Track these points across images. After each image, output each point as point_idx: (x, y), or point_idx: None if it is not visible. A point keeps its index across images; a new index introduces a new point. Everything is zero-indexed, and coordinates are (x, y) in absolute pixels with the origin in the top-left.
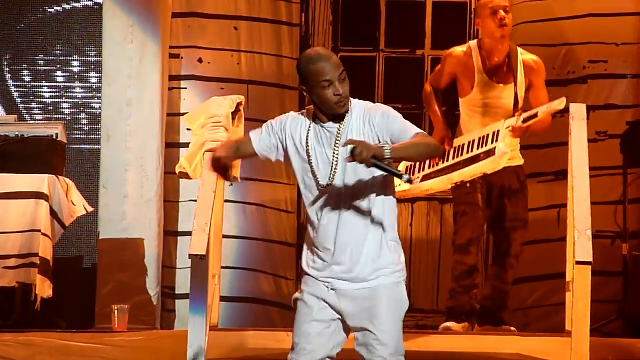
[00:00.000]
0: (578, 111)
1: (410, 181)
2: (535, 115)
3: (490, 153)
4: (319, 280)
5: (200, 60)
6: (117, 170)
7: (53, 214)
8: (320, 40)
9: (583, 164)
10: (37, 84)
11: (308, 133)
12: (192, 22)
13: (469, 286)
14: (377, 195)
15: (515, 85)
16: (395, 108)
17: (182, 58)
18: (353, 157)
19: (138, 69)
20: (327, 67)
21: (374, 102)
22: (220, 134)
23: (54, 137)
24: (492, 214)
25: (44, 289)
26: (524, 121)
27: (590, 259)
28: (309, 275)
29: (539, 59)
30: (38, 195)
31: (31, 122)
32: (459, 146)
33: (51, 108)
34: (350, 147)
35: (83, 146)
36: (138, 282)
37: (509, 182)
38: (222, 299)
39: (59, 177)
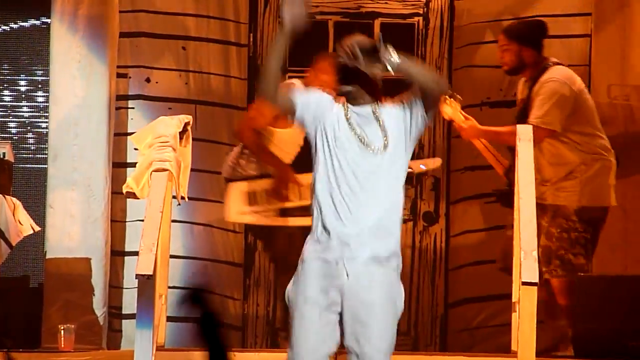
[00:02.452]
0: (524, 132)
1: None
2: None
3: None
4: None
5: (148, 80)
6: (63, 190)
7: None
8: None
9: (529, 185)
10: None
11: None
12: (140, 41)
13: None
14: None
15: None
16: None
17: (129, 77)
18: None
19: (85, 88)
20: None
21: None
22: (167, 154)
23: (1, 157)
24: None
25: None
26: None
27: (536, 280)
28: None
29: None
30: None
31: None
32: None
33: None
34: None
35: (30, 165)
36: (85, 302)
37: None
38: (169, 318)
39: (6, 196)
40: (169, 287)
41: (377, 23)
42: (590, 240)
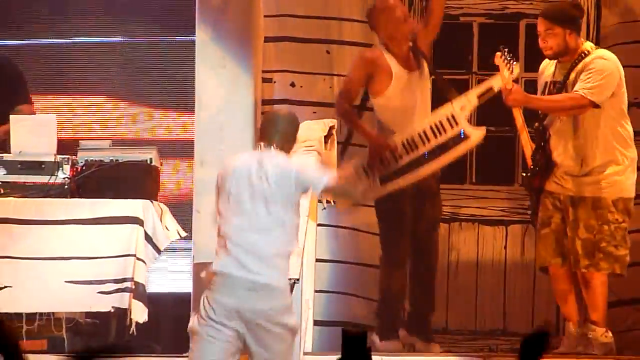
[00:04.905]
0: None
1: None
2: (491, 89)
3: (457, 139)
4: None
5: (292, 84)
6: (210, 195)
7: (147, 238)
8: None
9: None
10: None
11: None
12: (285, 46)
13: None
14: None
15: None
16: (488, 131)
17: (274, 82)
18: None
19: (231, 93)
20: None
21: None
22: (312, 158)
23: (148, 162)
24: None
25: (138, 313)
26: (479, 97)
27: None
28: None
29: None
30: (133, 220)
31: (125, 147)
32: (409, 140)
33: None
34: None
35: (177, 170)
36: None
37: (429, 184)
38: (316, 322)
39: (153, 201)
40: (315, 291)
41: (522, 24)
42: (626, 231)
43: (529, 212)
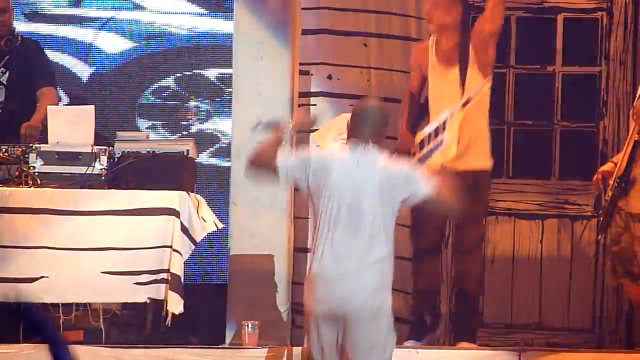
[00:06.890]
0: None
1: None
2: (468, 101)
3: (439, 145)
4: None
5: (329, 77)
6: (247, 187)
7: (184, 229)
8: None
9: None
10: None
11: None
12: (322, 38)
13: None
14: None
15: (463, 65)
16: (524, 125)
17: (311, 75)
18: None
19: (268, 85)
20: None
21: (504, 119)
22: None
23: (185, 154)
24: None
25: (174, 304)
26: (461, 107)
27: None
28: None
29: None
30: (169, 211)
31: (162, 138)
32: (422, 140)
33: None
34: None
35: (213, 162)
36: (268, 298)
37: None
38: None
39: (190, 193)
40: None
41: (559, 18)
42: None
43: (600, 211)
